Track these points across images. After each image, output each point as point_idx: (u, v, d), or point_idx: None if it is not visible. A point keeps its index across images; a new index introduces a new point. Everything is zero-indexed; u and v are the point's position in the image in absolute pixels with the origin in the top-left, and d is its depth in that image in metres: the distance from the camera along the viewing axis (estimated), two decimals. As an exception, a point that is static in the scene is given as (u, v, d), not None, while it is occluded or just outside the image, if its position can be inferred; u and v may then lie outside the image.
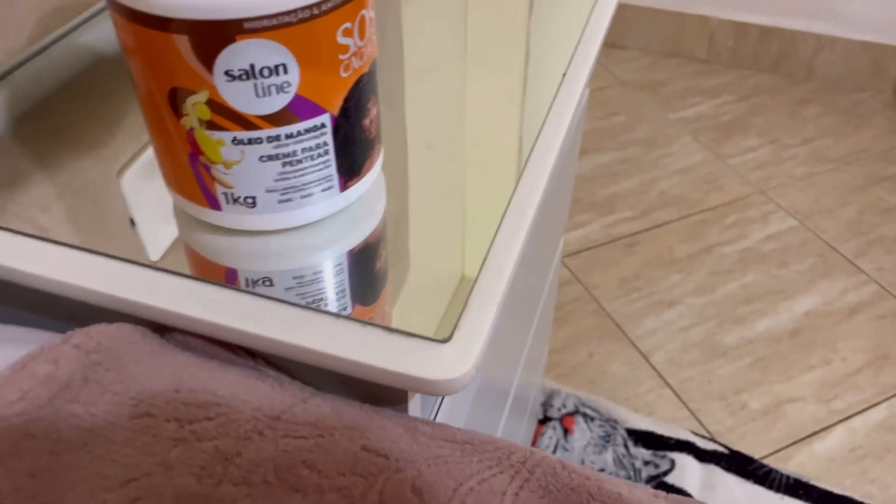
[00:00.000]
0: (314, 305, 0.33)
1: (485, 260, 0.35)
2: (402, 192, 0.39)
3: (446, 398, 0.42)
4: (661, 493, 0.30)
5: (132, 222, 0.38)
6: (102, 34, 0.51)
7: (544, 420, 1.09)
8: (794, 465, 1.06)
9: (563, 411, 1.10)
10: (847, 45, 1.81)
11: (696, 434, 1.08)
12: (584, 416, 1.10)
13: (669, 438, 1.07)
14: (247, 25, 0.28)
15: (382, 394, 0.34)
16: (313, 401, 0.31)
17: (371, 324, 0.32)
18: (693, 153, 1.64)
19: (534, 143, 0.42)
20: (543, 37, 0.52)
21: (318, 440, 0.27)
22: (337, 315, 0.33)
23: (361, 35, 0.32)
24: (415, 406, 0.36)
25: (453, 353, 0.31)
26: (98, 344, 0.29)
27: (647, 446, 1.06)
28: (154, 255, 0.35)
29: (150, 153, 0.42)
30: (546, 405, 1.11)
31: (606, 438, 1.07)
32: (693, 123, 1.73)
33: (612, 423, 1.09)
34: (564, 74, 0.48)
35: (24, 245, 0.36)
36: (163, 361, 0.30)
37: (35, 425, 0.26)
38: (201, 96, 0.30)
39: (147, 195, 0.39)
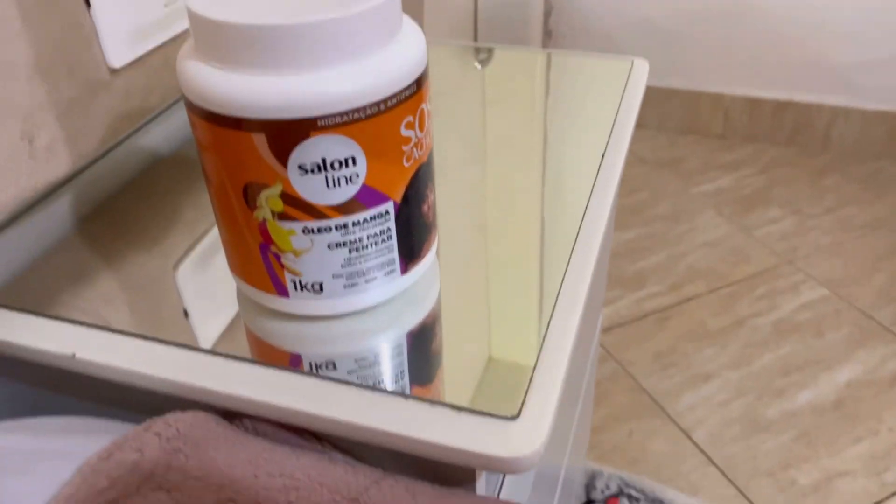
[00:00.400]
0: (378, 387, 0.34)
1: (545, 336, 0.36)
2: (455, 274, 0.41)
3: (507, 481, 0.42)
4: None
5: (185, 313, 0.39)
6: (159, 138, 0.54)
7: (587, 503, 1.07)
8: (851, 543, 1.02)
9: (607, 493, 1.07)
10: (862, 115, 1.84)
11: (745, 513, 1.05)
12: (630, 497, 1.07)
13: (719, 518, 1.04)
14: (320, 122, 0.30)
15: (449, 473, 0.34)
16: (386, 482, 0.31)
17: (439, 402, 0.33)
18: (717, 226, 1.65)
19: (581, 219, 0.43)
20: (560, 126, 0.54)
21: (398, 521, 0.28)
22: (405, 395, 0.33)
23: (421, 127, 0.34)
24: (480, 487, 0.36)
25: (522, 430, 0.32)
26: (177, 431, 0.30)
27: (695, 527, 1.03)
28: (206, 344, 0.36)
29: (202, 246, 0.43)
30: (589, 487, 1.09)
31: (653, 520, 1.04)
32: (715, 197, 1.74)
33: (657, 503, 1.06)
34: (603, 155, 0.50)
35: (94, 337, 0.37)
36: (238, 447, 0.31)
37: (125, 513, 0.26)
38: (275, 189, 0.32)
39: (199, 287, 0.41)
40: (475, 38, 1.74)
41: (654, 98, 2.00)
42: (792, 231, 1.62)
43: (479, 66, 0.63)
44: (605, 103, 0.56)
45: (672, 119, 2.01)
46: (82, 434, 0.32)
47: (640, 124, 2.05)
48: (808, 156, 1.89)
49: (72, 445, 0.31)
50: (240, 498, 0.28)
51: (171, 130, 0.55)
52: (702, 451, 1.15)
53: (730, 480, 1.11)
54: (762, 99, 1.90)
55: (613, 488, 1.08)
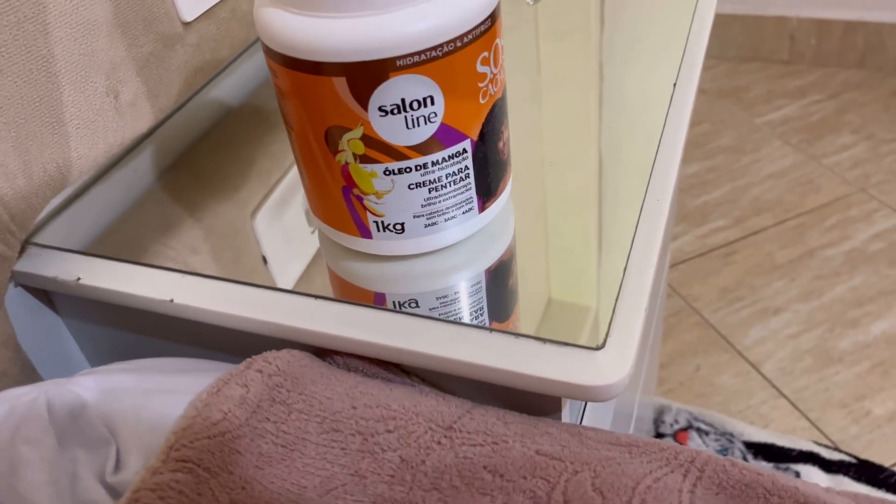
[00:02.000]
0: (464, 322, 0.34)
1: (626, 268, 0.36)
2: (529, 210, 0.41)
3: (588, 415, 0.42)
4: (832, 489, 0.30)
5: (264, 259, 0.40)
6: (230, 89, 0.55)
7: (657, 437, 1.08)
8: (929, 472, 1.01)
9: (676, 427, 1.08)
10: (940, 31, 1.73)
11: (819, 444, 1.04)
12: (699, 430, 1.07)
13: (791, 450, 1.04)
14: (399, 63, 0.30)
15: (535, 404, 0.35)
16: (477, 412, 0.32)
17: (524, 335, 0.34)
18: (784, 156, 1.59)
19: (657, 149, 0.43)
20: (618, 54, 0.53)
21: (493, 447, 0.29)
22: (490, 329, 0.34)
23: (496, 63, 0.34)
24: (565, 417, 0.37)
25: (608, 359, 0.32)
26: (277, 368, 0.32)
27: (767, 459, 1.03)
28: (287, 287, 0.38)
29: (277, 194, 0.45)
30: (657, 422, 1.10)
31: (723, 453, 1.04)
32: (781, 126, 1.68)
33: (728, 436, 1.06)
34: (675, 84, 0.49)
35: (189, 282, 0.39)
36: (334, 381, 0.32)
37: (239, 443, 0.28)
38: (356, 132, 0.33)
39: (276, 234, 0.42)
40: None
41: (714, 24, 1.92)
42: (865, 157, 1.56)
43: (531, 3, 0.61)
44: (670, 31, 0.54)
45: (733, 46, 1.94)
46: (188, 373, 0.34)
47: (700, 54, 1.98)
48: (881, 78, 1.80)
49: (181, 383, 0.33)
50: (342, 427, 0.29)
51: (240, 81, 0.56)
52: (771, 384, 1.14)
53: (801, 412, 1.10)
54: (830, 20, 1.81)
55: (682, 422, 1.09)
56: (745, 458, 1.03)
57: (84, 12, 0.38)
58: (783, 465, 1.02)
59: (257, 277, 0.39)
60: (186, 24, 0.46)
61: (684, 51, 0.52)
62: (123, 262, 0.40)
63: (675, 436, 1.07)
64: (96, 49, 0.39)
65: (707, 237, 1.43)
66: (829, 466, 1.01)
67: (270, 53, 0.33)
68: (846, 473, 1.00)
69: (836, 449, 1.04)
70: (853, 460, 1.02)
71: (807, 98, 1.76)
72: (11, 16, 0.35)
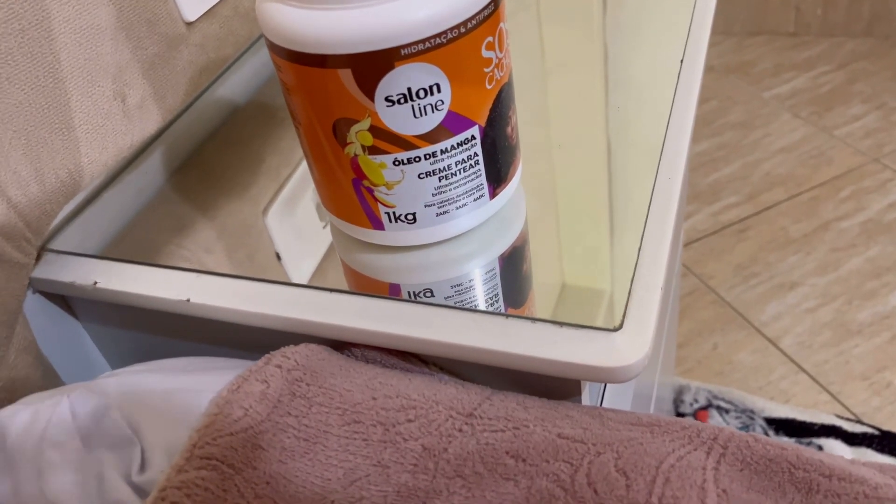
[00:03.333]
0: (480, 309, 0.34)
1: (640, 248, 0.36)
2: (540, 194, 0.41)
3: (607, 397, 0.42)
4: (856, 460, 0.30)
5: (278, 256, 0.40)
6: (235, 87, 0.55)
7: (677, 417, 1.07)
8: (953, 441, 1.00)
9: (696, 406, 1.08)
10: (949, -5, 1.71)
11: (840, 417, 1.04)
12: (719, 408, 1.07)
13: (813, 424, 1.03)
14: (403, 51, 0.30)
15: (554, 388, 0.35)
16: (496, 398, 0.32)
17: (541, 320, 0.33)
18: (794, 129, 1.58)
19: (666, 128, 0.42)
20: (621, 36, 0.53)
21: (514, 432, 0.29)
22: (506, 315, 0.34)
23: (501, 47, 0.34)
24: (585, 400, 0.37)
25: (626, 340, 0.32)
26: (296, 363, 0.32)
27: (789, 434, 1.03)
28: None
29: (287, 190, 0.45)
30: (677, 402, 1.09)
31: (744, 430, 1.04)
32: (790, 99, 1.67)
33: (748, 413, 1.06)
34: (682, 61, 0.48)
35: (204, 281, 0.39)
36: (353, 373, 0.33)
37: (261, 438, 0.28)
38: (364, 124, 0.32)
39: (288, 230, 0.42)
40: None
41: (718, 1, 1.90)
42: (877, 127, 1.54)
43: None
44: (674, 9, 0.54)
45: (738, 21, 1.92)
46: (208, 371, 0.34)
47: (705, 30, 1.96)
48: (889, 46, 1.78)
49: (200, 382, 0.33)
50: (363, 419, 0.29)
51: (246, 79, 0.56)
52: (790, 359, 1.14)
53: (822, 386, 1.10)
54: (837, -11, 1.79)
55: (702, 401, 1.09)
56: (766, 434, 1.03)
57: (87, 17, 0.38)
58: (805, 440, 1.01)
59: (271, 274, 0.39)
60: (189, 24, 0.46)
61: (690, 26, 0.51)
62: (139, 264, 0.41)
63: (695, 415, 1.07)
64: (101, 53, 0.40)
65: (720, 214, 1.42)
66: (851, 439, 1.01)
67: (274, 48, 0.33)
68: (869, 445, 0.99)
69: (859, 421, 1.03)
70: (876, 432, 1.01)
71: (815, 70, 1.74)
72: (15, 23, 0.35)
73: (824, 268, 1.28)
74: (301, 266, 0.39)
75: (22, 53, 0.35)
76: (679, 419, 0.31)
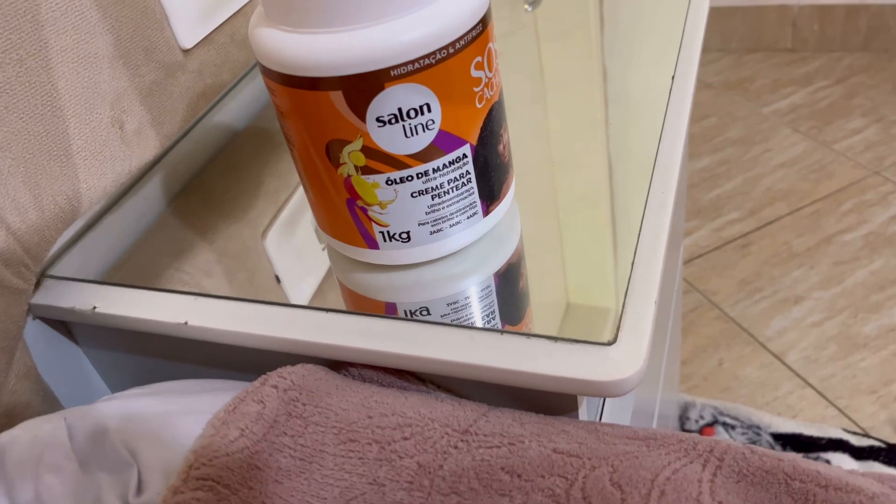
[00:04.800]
0: (474, 326, 0.35)
1: (633, 262, 0.36)
2: (536, 211, 0.41)
3: (606, 413, 0.42)
4: (856, 470, 0.29)
5: (277, 279, 0.41)
6: (233, 113, 0.56)
7: (683, 434, 1.07)
8: (963, 453, 0.99)
9: (702, 423, 1.07)
10: (944, 8, 1.72)
11: (848, 431, 1.03)
12: (724, 425, 1.06)
13: (820, 439, 1.02)
14: (393, 73, 0.31)
15: (551, 403, 0.35)
16: (492, 414, 0.32)
17: (535, 335, 0.34)
18: (794, 144, 1.58)
19: (658, 143, 0.43)
20: (618, 55, 0.53)
21: (510, 448, 0.29)
22: (500, 331, 0.34)
23: (490, 67, 0.34)
24: (582, 416, 0.37)
25: (621, 353, 0.32)
26: (292, 383, 0.32)
27: (796, 449, 1.02)
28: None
29: (286, 213, 0.45)
30: (682, 419, 1.09)
31: (752, 446, 1.03)
32: (789, 114, 1.67)
33: (754, 429, 1.05)
34: (673, 77, 0.49)
35: (202, 304, 0.39)
36: (349, 392, 0.33)
37: (257, 458, 0.28)
38: (356, 144, 0.33)
39: (287, 252, 0.42)
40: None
41: (715, 18, 1.92)
42: (877, 140, 1.55)
43: (529, 9, 0.62)
44: (669, 26, 0.55)
45: (735, 38, 1.93)
46: (205, 393, 0.34)
47: (702, 48, 1.98)
48: (887, 60, 1.78)
49: (198, 404, 0.33)
50: (359, 437, 0.29)
51: (243, 104, 0.56)
52: (796, 374, 1.13)
53: (829, 401, 1.09)
54: (832, 5, 1.80)
55: (707, 417, 1.08)
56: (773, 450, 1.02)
57: (85, 46, 0.39)
58: (812, 455, 1.01)
59: (271, 297, 0.39)
60: (186, 52, 0.47)
61: (681, 43, 0.52)
62: (138, 288, 0.41)
63: (700, 431, 1.06)
64: (99, 81, 0.40)
65: (722, 230, 1.42)
66: (858, 453, 1.00)
67: (267, 72, 0.33)
68: (876, 458, 0.98)
69: (866, 435, 1.02)
70: (883, 445, 1.00)
71: (813, 84, 1.75)
72: (13, 53, 0.36)
73: (828, 281, 1.27)
74: (300, 288, 0.39)
75: (20, 83, 0.36)
76: (675, 433, 0.31)
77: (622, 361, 0.32)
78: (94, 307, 0.40)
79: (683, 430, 1.07)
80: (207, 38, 0.48)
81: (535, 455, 0.28)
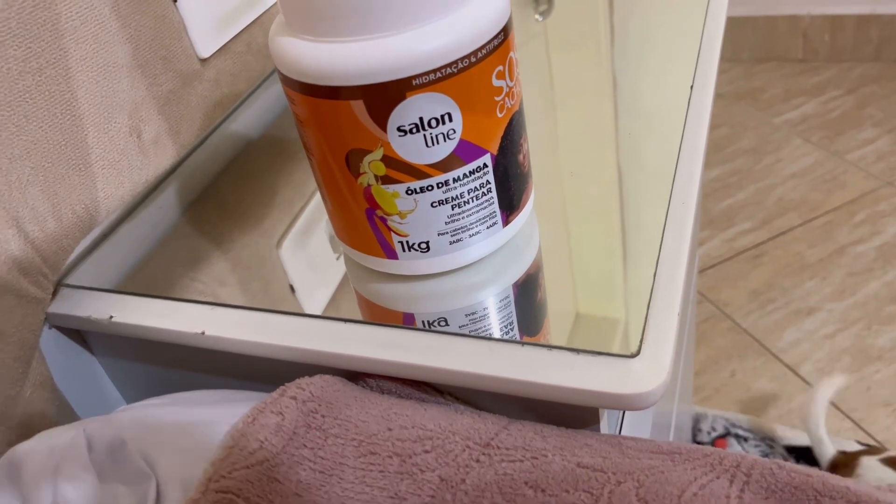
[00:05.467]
0: (494, 337, 0.34)
1: (655, 273, 0.36)
2: (553, 221, 0.41)
3: (626, 426, 0.42)
4: (885, 487, 0.29)
5: (292, 288, 0.40)
6: (249, 122, 0.56)
7: (696, 446, 1.06)
8: (981, 467, 0.98)
9: (714, 435, 1.06)
10: (957, 18, 1.71)
11: (862, 444, 1.02)
12: (737, 437, 1.05)
13: (835, 452, 1.01)
14: (415, 82, 0.31)
15: (572, 416, 0.35)
16: (514, 427, 0.32)
17: (557, 347, 0.33)
18: (806, 154, 1.58)
19: (678, 152, 0.42)
20: (628, 65, 0.53)
21: (533, 461, 0.28)
22: (521, 343, 0.34)
23: (511, 76, 0.34)
24: (603, 429, 0.36)
25: (644, 366, 0.32)
26: (311, 394, 0.32)
27: (810, 463, 1.01)
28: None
29: (301, 223, 0.45)
30: (694, 430, 1.08)
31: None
32: (801, 125, 1.67)
33: (767, 441, 1.04)
34: (692, 87, 0.48)
35: (219, 314, 0.39)
36: (368, 404, 0.32)
37: (277, 471, 0.28)
38: (377, 154, 0.33)
39: (302, 262, 0.42)
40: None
41: (726, 28, 1.92)
42: (889, 150, 1.54)
43: (539, 18, 0.62)
44: (682, 35, 0.54)
45: (746, 48, 1.93)
46: (223, 404, 0.34)
47: (713, 58, 1.97)
48: (900, 69, 1.78)
49: (216, 414, 0.33)
50: (379, 450, 0.29)
51: (259, 113, 0.56)
52: (810, 385, 1.12)
53: (844, 413, 1.08)
54: (843, 15, 1.80)
55: (719, 429, 1.07)
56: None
57: (105, 55, 0.39)
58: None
59: (286, 306, 0.39)
60: (203, 61, 0.47)
61: (699, 52, 0.52)
62: (154, 297, 0.41)
63: (712, 443, 1.05)
64: (118, 90, 0.40)
65: (734, 240, 1.41)
66: (876, 467, 0.98)
67: (287, 81, 0.33)
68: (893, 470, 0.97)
69: (882, 448, 1.01)
70: (901, 459, 0.99)
71: (825, 94, 1.75)
72: (34, 62, 0.36)
73: (841, 293, 1.26)
74: (315, 297, 0.39)
75: (40, 92, 0.36)
76: (700, 447, 0.30)
77: (645, 374, 0.31)
78: (111, 316, 0.40)
79: (696, 442, 1.06)
80: (224, 47, 0.48)
81: (559, 469, 0.28)
